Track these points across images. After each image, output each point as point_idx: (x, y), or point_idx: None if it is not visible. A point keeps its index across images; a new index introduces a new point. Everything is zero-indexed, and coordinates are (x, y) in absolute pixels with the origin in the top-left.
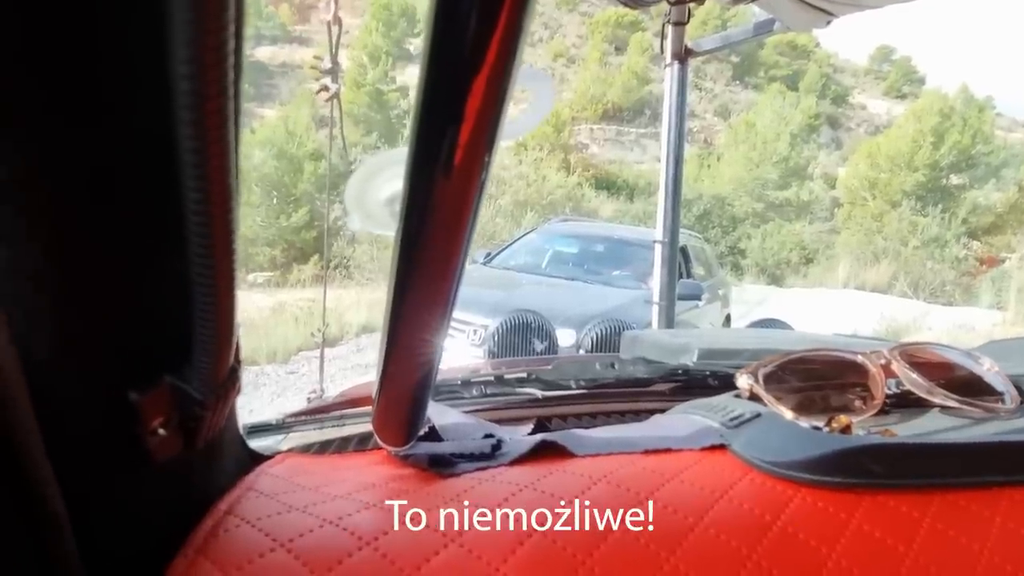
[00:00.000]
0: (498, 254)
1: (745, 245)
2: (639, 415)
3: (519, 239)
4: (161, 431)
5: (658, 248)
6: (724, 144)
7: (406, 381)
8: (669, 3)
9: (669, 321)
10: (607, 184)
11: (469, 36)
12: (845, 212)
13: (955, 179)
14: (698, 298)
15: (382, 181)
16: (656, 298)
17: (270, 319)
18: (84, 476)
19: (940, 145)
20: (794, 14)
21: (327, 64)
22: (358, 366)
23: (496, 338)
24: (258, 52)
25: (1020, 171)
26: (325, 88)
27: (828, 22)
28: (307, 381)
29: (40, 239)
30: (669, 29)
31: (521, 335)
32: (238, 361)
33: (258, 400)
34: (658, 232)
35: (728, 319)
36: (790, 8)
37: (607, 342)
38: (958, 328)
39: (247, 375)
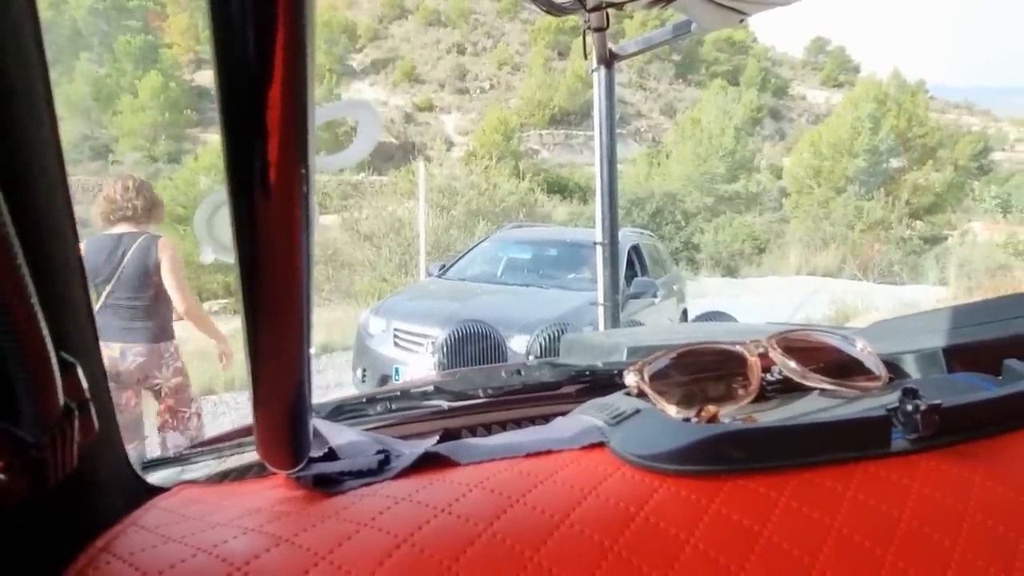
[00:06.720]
0: (452, 265)
1: (699, 239)
2: (544, 419)
3: (472, 249)
4: (1, 476)
5: (599, 250)
6: (672, 142)
7: (278, 404)
8: (586, 10)
9: (614, 322)
10: (559, 188)
11: (251, 47)
12: (792, 201)
13: (895, 162)
14: (653, 295)
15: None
16: (600, 299)
17: None
18: None
19: (878, 130)
20: (707, 14)
21: None
22: (318, 387)
23: (445, 349)
24: (198, 77)
25: (955, 151)
26: None
27: (741, 20)
28: None
29: None
30: (591, 35)
31: (471, 345)
32: (81, 401)
33: (218, 430)
34: (598, 234)
35: (685, 314)
36: (703, 9)
37: (556, 347)
38: (904, 306)
39: (205, 405)
